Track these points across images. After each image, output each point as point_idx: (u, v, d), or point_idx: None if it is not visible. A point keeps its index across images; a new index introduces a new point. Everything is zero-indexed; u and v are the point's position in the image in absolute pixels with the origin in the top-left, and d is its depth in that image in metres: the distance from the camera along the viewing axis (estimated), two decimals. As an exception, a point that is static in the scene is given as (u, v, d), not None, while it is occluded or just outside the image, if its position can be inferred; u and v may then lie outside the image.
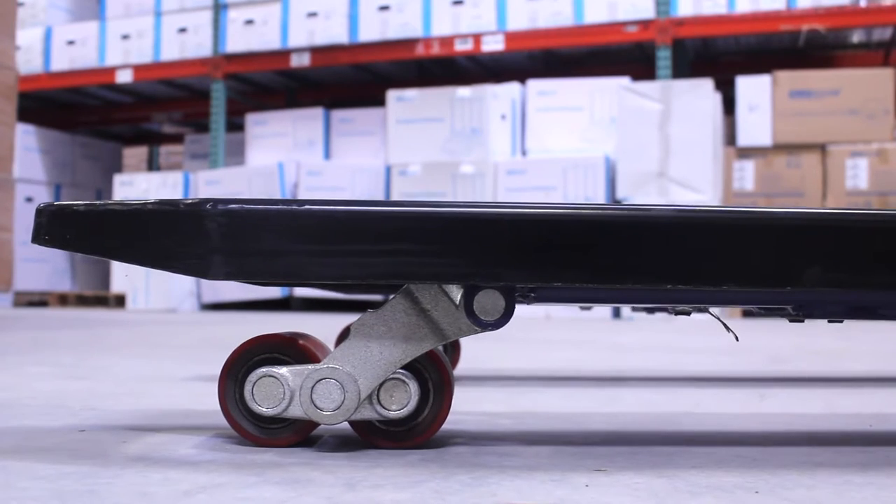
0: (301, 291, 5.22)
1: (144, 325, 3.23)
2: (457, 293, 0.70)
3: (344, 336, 1.16)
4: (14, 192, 3.54)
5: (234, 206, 0.67)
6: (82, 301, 5.77)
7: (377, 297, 5.09)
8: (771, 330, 3.28)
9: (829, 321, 0.83)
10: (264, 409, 0.71)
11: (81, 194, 6.28)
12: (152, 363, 1.60)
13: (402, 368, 0.71)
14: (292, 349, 0.74)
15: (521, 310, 3.56)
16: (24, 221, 5.79)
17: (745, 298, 0.77)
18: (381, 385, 0.71)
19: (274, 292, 5.23)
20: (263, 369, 0.71)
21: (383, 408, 0.71)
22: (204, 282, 5.28)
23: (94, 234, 0.69)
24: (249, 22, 5.47)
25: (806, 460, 0.72)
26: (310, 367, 0.71)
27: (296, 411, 0.71)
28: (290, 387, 0.71)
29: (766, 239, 0.67)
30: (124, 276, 5.15)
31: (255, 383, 0.71)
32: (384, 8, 5.14)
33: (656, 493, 0.59)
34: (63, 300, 5.80)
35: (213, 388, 1.19)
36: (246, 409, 0.73)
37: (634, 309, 1.27)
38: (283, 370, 0.71)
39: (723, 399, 1.15)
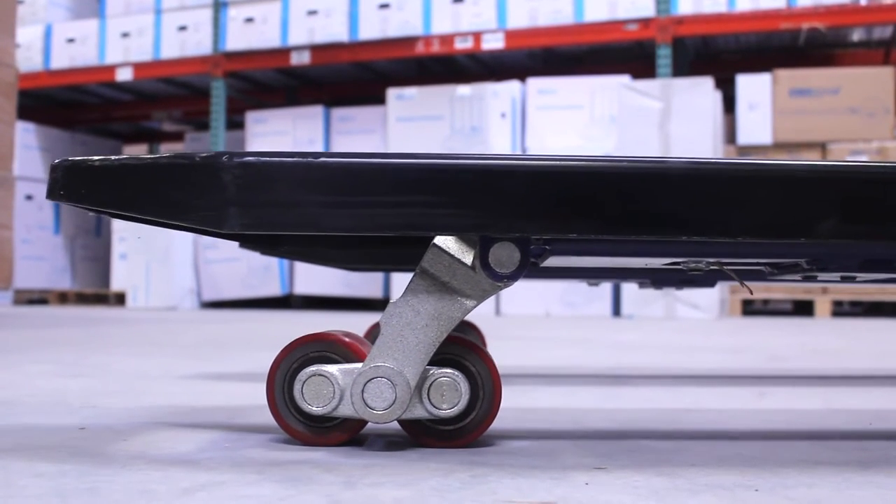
0: (301, 289, 5.22)
1: (144, 322, 3.23)
2: (469, 256, 0.71)
3: (370, 334, 1.16)
4: (14, 189, 3.53)
5: (250, 158, 0.67)
6: (82, 299, 5.77)
7: (377, 296, 5.09)
8: (771, 329, 3.29)
9: (842, 278, 0.82)
10: (314, 409, 0.71)
11: (81, 192, 6.28)
12: (153, 361, 1.60)
13: (451, 368, 0.72)
14: (341, 348, 0.74)
15: (520, 308, 3.58)
16: (24, 219, 5.80)
17: (759, 252, 0.76)
18: (431, 383, 0.71)
19: (274, 290, 5.23)
20: (313, 368, 0.71)
21: (434, 406, 0.71)
22: (204, 280, 5.28)
23: (109, 189, 0.69)
24: (249, 20, 5.47)
25: (806, 458, 0.72)
26: (357, 366, 0.71)
27: (346, 410, 0.71)
28: (339, 386, 0.71)
29: (780, 191, 0.67)
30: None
31: (304, 382, 0.71)
32: (384, 6, 5.14)
33: (656, 491, 0.59)
34: (63, 298, 5.80)
35: (213, 386, 1.20)
36: (295, 407, 0.74)
37: (642, 285, 1.26)
38: (333, 369, 0.71)
39: (723, 397, 1.15)
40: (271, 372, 0.74)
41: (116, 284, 5.58)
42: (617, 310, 4.36)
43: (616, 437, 0.82)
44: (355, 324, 3.28)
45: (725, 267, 0.85)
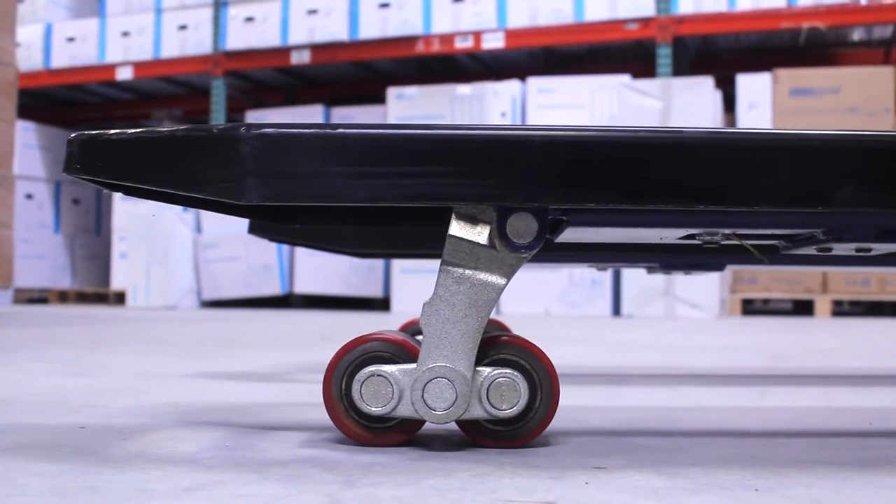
0: (301, 289, 5.22)
1: (145, 321, 3.23)
2: (484, 233, 0.71)
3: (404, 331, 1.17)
4: (14, 188, 3.54)
5: (268, 129, 0.68)
6: (82, 298, 5.77)
7: (377, 295, 5.09)
8: (771, 328, 3.29)
9: (857, 250, 0.82)
10: (372, 409, 0.71)
11: (82, 192, 6.29)
12: (153, 360, 1.60)
13: (509, 368, 0.72)
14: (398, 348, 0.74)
15: (520, 307, 3.57)
16: (24, 218, 5.79)
17: (776, 222, 0.77)
18: (490, 383, 0.71)
19: (274, 289, 5.23)
20: (371, 368, 0.71)
21: (493, 407, 0.71)
22: (204, 279, 5.28)
23: (126, 161, 0.69)
24: (250, 19, 5.47)
25: (806, 458, 0.72)
26: (413, 367, 0.71)
27: (405, 411, 0.71)
28: (398, 386, 0.71)
29: (797, 160, 0.68)
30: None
31: (363, 383, 0.71)
32: (384, 5, 5.14)
33: (656, 491, 0.59)
34: (63, 297, 5.80)
35: (214, 385, 1.20)
36: (353, 408, 0.73)
37: (651, 270, 1.26)
38: (393, 369, 0.71)
39: (723, 396, 1.15)
40: (328, 372, 0.74)
41: (116, 283, 5.58)
42: (617, 309, 4.36)
43: (616, 436, 0.82)
44: (358, 322, 3.28)
45: (741, 239, 0.85)
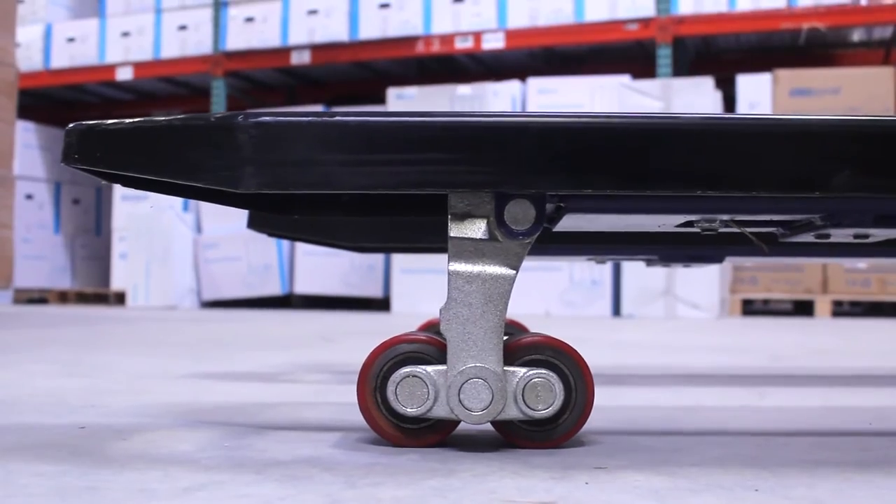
0: (301, 289, 5.22)
1: (144, 322, 3.23)
2: (482, 227, 0.71)
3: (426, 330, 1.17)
4: (14, 189, 3.53)
5: (266, 117, 0.68)
6: (82, 298, 5.77)
7: (377, 295, 5.09)
8: (771, 329, 3.29)
9: (855, 237, 0.82)
10: (408, 410, 0.71)
11: (82, 192, 6.29)
12: (153, 360, 1.59)
13: (545, 369, 0.72)
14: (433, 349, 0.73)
15: (520, 307, 3.57)
16: (24, 218, 5.79)
17: (774, 208, 0.77)
18: (525, 384, 0.71)
19: (274, 289, 5.23)
20: (407, 369, 0.71)
21: (529, 408, 0.71)
22: (204, 279, 5.28)
23: (125, 151, 0.69)
24: (250, 19, 5.47)
25: (806, 458, 0.72)
26: (444, 368, 0.71)
27: (441, 412, 0.71)
28: (434, 387, 0.71)
29: (795, 145, 0.68)
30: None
31: (398, 384, 0.71)
32: (384, 6, 5.14)
33: (656, 491, 0.59)
34: (63, 297, 5.80)
35: (214, 385, 1.20)
36: (388, 408, 0.73)
37: (650, 263, 1.26)
38: (429, 370, 0.71)
39: (723, 397, 1.15)
40: (363, 373, 0.73)
41: (116, 284, 5.58)
42: (617, 309, 4.36)
43: (616, 436, 0.82)
44: (359, 323, 3.28)
45: (740, 226, 0.85)
